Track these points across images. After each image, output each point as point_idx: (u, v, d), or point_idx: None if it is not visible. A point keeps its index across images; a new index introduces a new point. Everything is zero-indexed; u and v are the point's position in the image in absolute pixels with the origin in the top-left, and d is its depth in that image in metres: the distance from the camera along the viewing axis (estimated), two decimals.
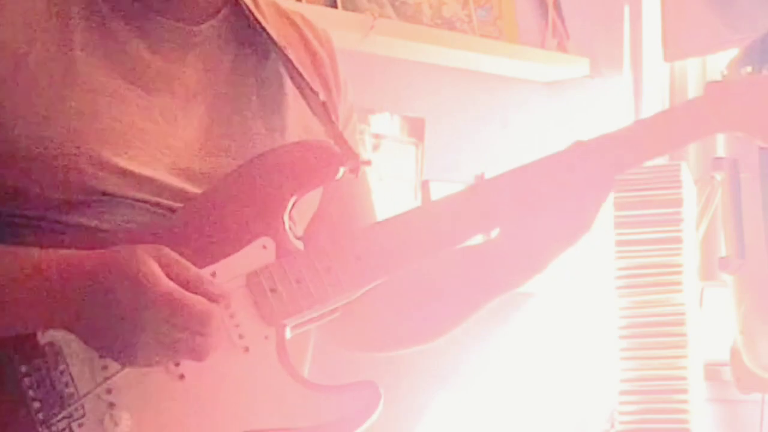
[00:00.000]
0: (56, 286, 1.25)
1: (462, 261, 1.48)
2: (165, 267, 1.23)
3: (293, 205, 1.37)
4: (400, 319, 1.51)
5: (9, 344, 1.27)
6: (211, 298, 1.23)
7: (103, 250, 1.26)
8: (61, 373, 1.27)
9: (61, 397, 1.26)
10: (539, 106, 3.23)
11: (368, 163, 1.43)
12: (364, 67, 2.88)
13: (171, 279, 1.22)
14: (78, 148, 1.31)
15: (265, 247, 1.34)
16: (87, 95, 1.33)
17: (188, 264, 1.25)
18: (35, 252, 1.28)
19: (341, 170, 1.38)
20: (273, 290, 1.32)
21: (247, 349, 1.31)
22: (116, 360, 1.26)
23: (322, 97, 1.43)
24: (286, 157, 1.37)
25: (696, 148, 3.35)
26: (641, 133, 1.44)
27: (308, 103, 1.44)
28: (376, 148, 2.95)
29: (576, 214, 1.41)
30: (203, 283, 1.24)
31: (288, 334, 1.34)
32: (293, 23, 1.52)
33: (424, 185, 3.01)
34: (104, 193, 1.32)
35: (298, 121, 1.45)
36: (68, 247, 1.28)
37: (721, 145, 2.90)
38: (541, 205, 1.40)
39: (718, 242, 2.93)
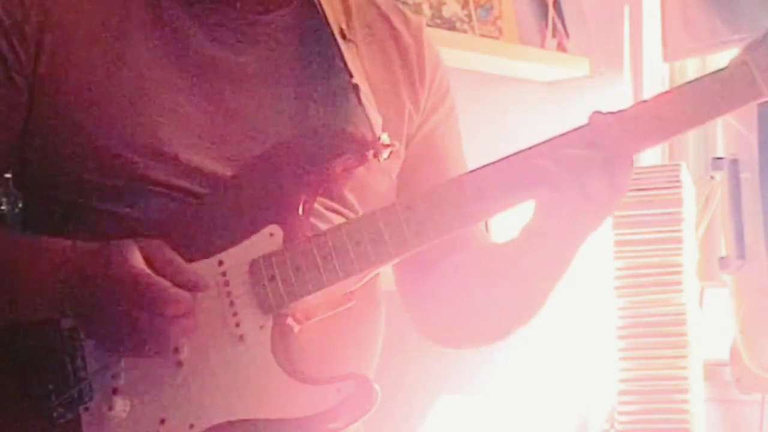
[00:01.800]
0: (49, 275, 1.28)
1: (504, 254, 1.45)
2: (147, 257, 1.25)
3: (312, 192, 1.35)
4: (465, 315, 1.49)
5: (30, 326, 1.31)
6: (185, 286, 1.25)
7: (94, 243, 1.28)
8: (76, 357, 1.30)
9: (71, 380, 1.29)
10: (539, 106, 3.23)
11: (393, 146, 1.39)
12: None
13: (153, 269, 1.25)
14: (122, 132, 1.33)
15: (272, 234, 1.33)
16: (137, 80, 1.35)
17: (173, 256, 1.27)
18: (38, 241, 1.33)
19: (369, 155, 1.35)
20: (271, 278, 1.31)
21: (242, 338, 1.31)
22: (107, 347, 1.28)
23: (354, 80, 1.41)
24: (307, 144, 1.36)
25: (696, 148, 3.35)
26: (670, 105, 1.34)
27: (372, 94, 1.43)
28: None
29: (600, 194, 1.32)
30: (180, 273, 1.26)
31: (294, 325, 1.33)
32: (384, 15, 1.52)
33: None
34: (145, 179, 1.33)
35: (364, 112, 1.43)
36: (98, 235, 1.30)
37: (721, 145, 2.90)
38: (561, 185, 1.31)
39: (718, 242, 2.93)
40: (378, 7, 1.53)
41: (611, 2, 3.37)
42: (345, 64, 1.42)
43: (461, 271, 1.48)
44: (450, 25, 3.05)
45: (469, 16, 3.10)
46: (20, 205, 1.57)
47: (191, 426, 1.29)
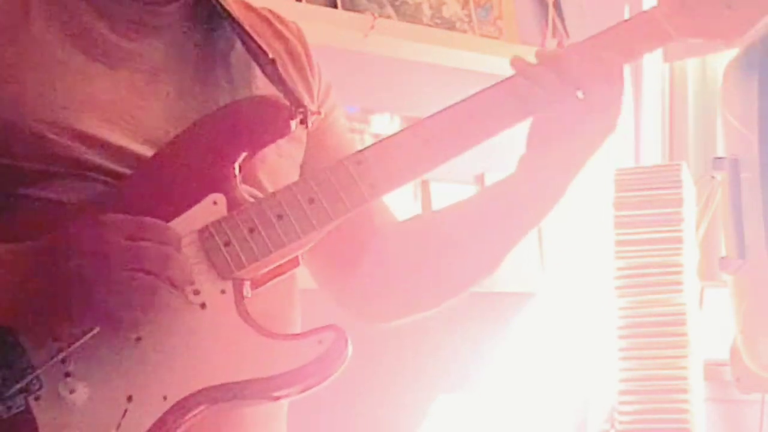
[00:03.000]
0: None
1: (478, 203, 1.52)
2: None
3: (244, 160, 1.36)
4: (413, 278, 1.51)
5: None
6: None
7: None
8: (16, 348, 1.27)
9: (16, 372, 1.27)
10: None
11: (318, 113, 1.43)
12: (364, 67, 2.88)
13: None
14: (40, 111, 1.31)
15: (215, 203, 1.33)
16: (46, 67, 1.34)
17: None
18: None
19: (292, 124, 1.37)
20: (227, 243, 1.32)
21: (204, 305, 1.31)
22: (82, 321, 1.26)
23: (271, 55, 1.44)
24: (235, 113, 1.38)
25: (696, 147, 3.35)
26: (597, 46, 1.49)
27: (269, 78, 1.45)
28: None
29: (598, 98, 1.45)
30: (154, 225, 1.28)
31: (248, 291, 1.33)
32: (263, 18, 1.54)
33: (424, 185, 3.01)
34: (68, 160, 1.32)
35: (285, 82, 1.45)
36: (23, 222, 1.29)
37: (721, 144, 2.90)
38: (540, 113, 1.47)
39: (718, 242, 2.93)
40: (257, 12, 1.54)
41: (611, 2, 3.37)
42: (256, 43, 1.44)
43: (402, 244, 1.51)
44: (450, 25, 3.05)
45: (469, 16, 3.10)
46: None
47: (165, 398, 1.28)
